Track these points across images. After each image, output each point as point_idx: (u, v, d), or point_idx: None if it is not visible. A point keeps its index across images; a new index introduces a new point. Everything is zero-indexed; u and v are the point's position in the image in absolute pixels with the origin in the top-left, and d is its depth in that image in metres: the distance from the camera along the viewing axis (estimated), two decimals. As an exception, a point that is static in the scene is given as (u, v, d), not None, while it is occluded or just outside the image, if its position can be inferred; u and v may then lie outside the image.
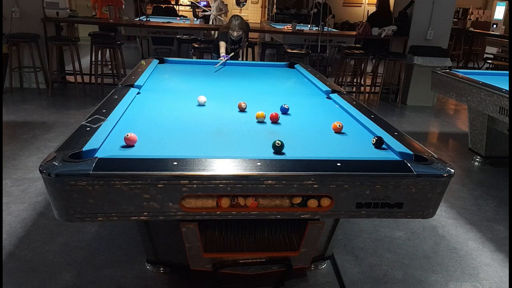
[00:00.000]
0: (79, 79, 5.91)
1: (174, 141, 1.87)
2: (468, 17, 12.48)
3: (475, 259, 2.64)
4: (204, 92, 2.85)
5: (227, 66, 3.87)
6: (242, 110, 2.39)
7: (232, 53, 4.31)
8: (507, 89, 3.39)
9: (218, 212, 1.54)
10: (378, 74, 6.76)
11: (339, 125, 2.09)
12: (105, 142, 1.75)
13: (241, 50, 4.85)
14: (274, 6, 13.16)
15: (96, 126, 1.87)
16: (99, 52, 5.90)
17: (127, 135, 1.73)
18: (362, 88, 6.65)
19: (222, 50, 4.41)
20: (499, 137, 4.07)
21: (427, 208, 1.64)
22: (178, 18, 9.31)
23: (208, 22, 7.63)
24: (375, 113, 2.34)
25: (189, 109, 2.41)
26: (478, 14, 12.85)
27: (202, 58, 5.60)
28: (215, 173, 1.47)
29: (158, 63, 3.72)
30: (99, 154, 1.59)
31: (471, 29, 10.75)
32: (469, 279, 2.45)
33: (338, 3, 13.49)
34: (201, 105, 2.46)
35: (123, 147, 1.73)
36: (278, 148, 1.72)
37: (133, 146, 1.74)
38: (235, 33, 4.54)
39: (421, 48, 6.24)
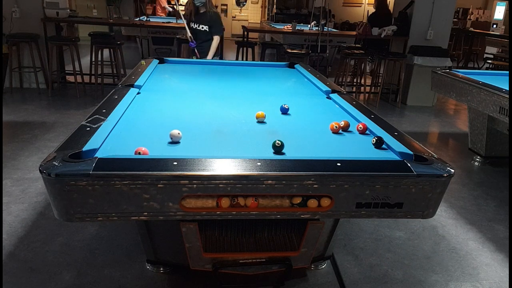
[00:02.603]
0: (79, 79, 5.91)
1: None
2: (468, 17, 12.48)
3: (475, 259, 2.64)
4: (204, 92, 2.85)
5: (227, 66, 3.87)
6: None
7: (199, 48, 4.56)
8: (507, 89, 3.39)
9: (218, 212, 1.54)
10: (379, 74, 6.77)
11: (336, 126, 2.08)
12: (105, 142, 1.75)
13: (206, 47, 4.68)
14: (274, 6, 13.16)
15: (96, 126, 1.87)
16: (99, 52, 5.90)
17: (140, 151, 1.62)
18: (362, 88, 6.66)
19: (189, 34, 4.57)
20: (499, 137, 4.07)
21: (427, 208, 1.64)
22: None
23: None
24: (375, 113, 2.34)
25: (189, 109, 2.40)
26: (478, 14, 12.85)
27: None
28: (215, 173, 1.47)
29: (158, 63, 3.72)
30: (99, 154, 1.59)
31: (471, 29, 10.75)
32: (469, 279, 2.45)
33: (338, 3, 13.49)
34: (175, 141, 1.84)
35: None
36: (278, 148, 1.72)
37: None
38: None
39: (421, 48, 6.24)
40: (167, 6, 9.98)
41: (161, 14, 9.92)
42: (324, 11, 7.14)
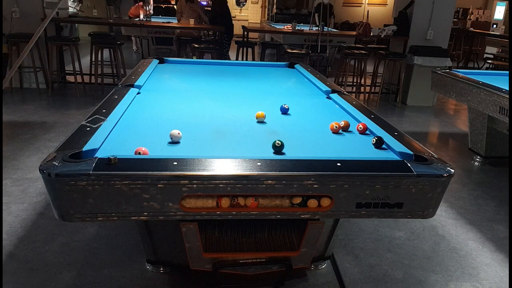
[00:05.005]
0: (79, 79, 5.91)
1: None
2: (468, 17, 12.48)
3: (475, 259, 2.64)
4: (204, 92, 2.86)
5: (227, 66, 3.87)
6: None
7: None
8: (507, 89, 3.39)
9: (218, 212, 1.54)
10: (378, 74, 6.77)
11: (336, 126, 2.08)
12: (105, 142, 1.75)
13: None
14: (274, 6, 13.16)
15: (96, 126, 1.87)
16: (99, 52, 5.89)
17: (140, 151, 1.63)
18: (362, 88, 6.65)
19: None
20: (499, 137, 4.07)
21: (427, 208, 1.64)
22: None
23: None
24: (375, 113, 2.34)
25: (189, 109, 2.40)
26: (478, 14, 12.85)
27: (202, 58, 5.60)
28: (215, 173, 1.47)
29: (158, 63, 3.72)
30: (99, 154, 1.60)
31: (471, 29, 10.76)
32: (469, 279, 2.45)
33: (338, 3, 13.48)
34: (175, 141, 1.85)
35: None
36: (278, 148, 1.72)
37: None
38: None
39: (421, 48, 6.24)
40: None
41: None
42: (324, 11, 7.12)
